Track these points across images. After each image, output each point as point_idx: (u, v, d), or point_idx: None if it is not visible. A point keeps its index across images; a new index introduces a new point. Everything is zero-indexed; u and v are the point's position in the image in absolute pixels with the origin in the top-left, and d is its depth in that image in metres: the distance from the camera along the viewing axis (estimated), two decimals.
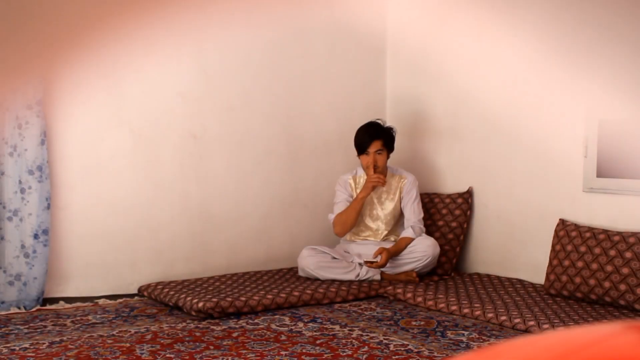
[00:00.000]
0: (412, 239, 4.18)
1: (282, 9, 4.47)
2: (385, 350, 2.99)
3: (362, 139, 4.17)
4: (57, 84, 3.82)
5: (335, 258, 4.15)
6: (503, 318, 3.37)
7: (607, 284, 3.49)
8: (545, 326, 3.20)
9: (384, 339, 3.15)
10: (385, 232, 4.30)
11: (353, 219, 4.21)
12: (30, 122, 3.69)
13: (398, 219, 4.33)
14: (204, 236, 4.32)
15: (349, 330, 3.30)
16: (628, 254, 3.47)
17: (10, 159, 3.71)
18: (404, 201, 4.29)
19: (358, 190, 4.29)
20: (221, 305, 3.53)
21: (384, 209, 4.29)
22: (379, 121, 4.26)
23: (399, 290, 3.91)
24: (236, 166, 4.41)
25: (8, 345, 3.07)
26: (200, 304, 3.51)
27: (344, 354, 2.93)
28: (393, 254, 4.10)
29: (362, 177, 4.31)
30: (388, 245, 4.20)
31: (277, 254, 4.54)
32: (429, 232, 4.41)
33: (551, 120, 3.99)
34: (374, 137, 4.14)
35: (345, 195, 4.31)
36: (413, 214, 4.26)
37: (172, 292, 3.78)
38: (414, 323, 3.42)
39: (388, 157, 4.23)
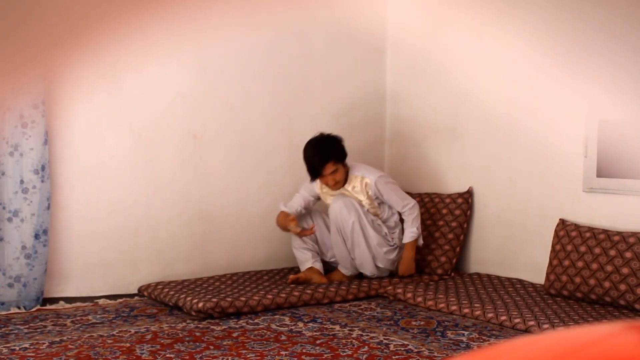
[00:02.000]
0: (413, 240, 4.18)
1: (282, 9, 4.47)
2: (385, 350, 2.99)
3: (312, 163, 4.01)
4: (58, 84, 3.82)
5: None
6: (503, 318, 3.37)
7: (607, 284, 3.49)
8: (545, 326, 3.20)
9: (384, 339, 3.15)
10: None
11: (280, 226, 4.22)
12: (36, 121, 3.69)
13: (376, 209, 4.21)
14: (204, 236, 4.32)
15: (349, 330, 3.30)
16: (628, 254, 3.47)
17: (11, 158, 3.70)
18: (380, 199, 4.16)
19: (324, 191, 4.20)
20: (221, 305, 3.53)
21: (360, 201, 4.16)
22: (322, 135, 4.08)
23: (399, 290, 3.91)
24: (236, 166, 4.41)
25: (8, 345, 3.07)
26: (200, 304, 3.51)
27: (344, 354, 2.93)
28: (408, 259, 4.17)
29: None
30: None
31: (277, 254, 4.54)
32: (430, 232, 4.41)
33: (551, 120, 3.99)
34: (324, 160, 3.99)
35: (306, 194, 4.23)
36: (396, 203, 4.14)
37: (172, 292, 3.78)
38: (414, 323, 3.42)
39: (344, 165, 4.11)
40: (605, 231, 3.62)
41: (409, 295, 3.84)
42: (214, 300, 3.56)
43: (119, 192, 4.04)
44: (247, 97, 4.42)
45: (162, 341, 3.12)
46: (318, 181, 4.18)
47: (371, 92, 4.89)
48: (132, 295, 4.04)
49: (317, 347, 3.02)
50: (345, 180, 4.14)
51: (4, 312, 3.65)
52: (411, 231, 4.15)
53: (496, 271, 4.30)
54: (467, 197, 4.43)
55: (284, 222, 4.14)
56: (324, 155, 4.00)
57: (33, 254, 3.73)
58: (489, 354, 0.78)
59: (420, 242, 4.21)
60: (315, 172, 4.03)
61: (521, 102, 4.12)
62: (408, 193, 4.35)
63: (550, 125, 4.00)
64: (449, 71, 4.53)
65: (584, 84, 3.80)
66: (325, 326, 3.36)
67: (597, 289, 3.53)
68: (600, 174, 3.76)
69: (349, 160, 4.19)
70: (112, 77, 3.97)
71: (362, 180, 4.13)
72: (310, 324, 3.40)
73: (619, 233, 3.57)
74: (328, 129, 4.69)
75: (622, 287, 3.44)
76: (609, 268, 3.51)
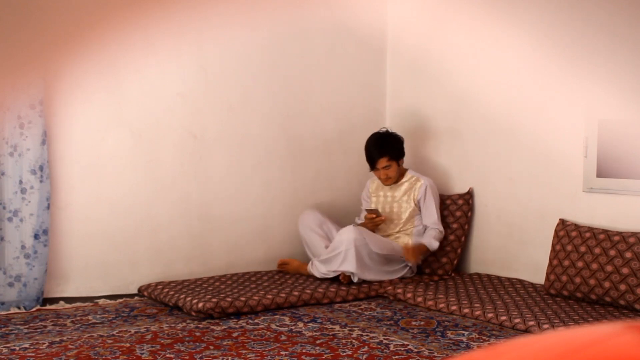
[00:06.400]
0: (427, 249, 4.24)
1: (282, 9, 4.47)
2: (385, 350, 2.99)
3: (369, 154, 4.29)
4: (58, 83, 3.82)
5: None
6: (503, 318, 3.37)
7: (607, 284, 3.49)
8: (545, 326, 3.20)
9: (384, 339, 3.15)
10: (401, 224, 4.34)
11: None
12: (33, 121, 3.69)
13: (414, 217, 4.34)
14: (203, 236, 4.32)
15: (349, 330, 3.30)
16: (628, 254, 3.47)
17: (11, 159, 3.71)
18: (420, 204, 4.33)
19: (374, 192, 4.44)
20: (221, 305, 3.53)
21: (401, 209, 4.33)
22: (384, 130, 4.34)
23: (399, 290, 3.91)
24: (236, 166, 4.41)
25: (8, 345, 3.07)
26: (200, 304, 3.51)
27: (344, 354, 2.93)
28: (416, 249, 4.22)
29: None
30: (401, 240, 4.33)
31: (277, 254, 4.54)
32: None
33: (551, 120, 3.99)
34: (378, 155, 4.25)
35: (365, 204, 4.51)
36: (429, 217, 4.31)
37: (172, 292, 3.78)
38: (414, 323, 3.42)
39: (399, 164, 4.31)
40: (605, 231, 3.62)
41: (409, 295, 3.84)
42: (214, 300, 3.56)
43: (119, 192, 4.04)
44: (247, 97, 4.42)
45: (162, 341, 3.12)
46: (368, 183, 4.51)
47: (371, 92, 4.89)
48: (132, 295, 4.04)
49: (317, 347, 3.02)
50: (398, 179, 4.37)
51: (4, 312, 3.65)
52: (430, 243, 4.25)
53: (496, 271, 4.30)
54: (467, 199, 4.43)
55: (371, 224, 4.29)
56: (381, 149, 4.26)
57: (32, 253, 3.73)
58: (489, 354, 0.78)
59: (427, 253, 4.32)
60: (371, 163, 4.31)
61: (521, 102, 4.12)
62: None
63: (550, 125, 4.00)
64: (449, 71, 4.53)
65: (584, 84, 3.80)
66: (325, 326, 3.36)
67: (597, 289, 3.53)
68: (600, 174, 3.76)
69: (411, 167, 4.48)
70: (112, 77, 3.97)
71: (416, 181, 4.35)
72: (310, 324, 3.40)
73: (619, 233, 3.57)
74: (328, 129, 4.70)
75: (622, 287, 3.44)
76: (609, 268, 3.51)
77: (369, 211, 4.29)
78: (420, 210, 4.33)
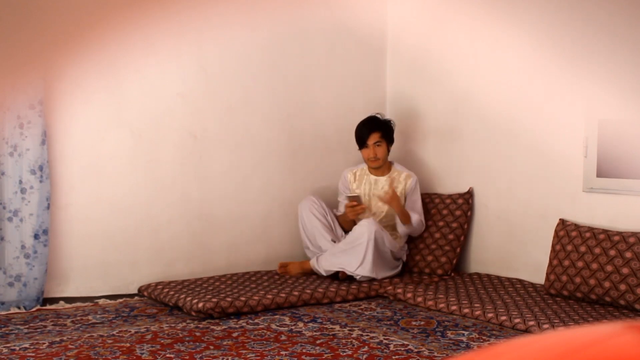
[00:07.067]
0: (411, 225, 4.26)
1: (281, 9, 4.47)
2: (385, 350, 2.99)
3: (360, 132, 4.30)
4: (58, 83, 3.82)
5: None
6: (503, 318, 3.37)
7: (607, 284, 3.50)
8: (545, 326, 3.20)
9: (384, 339, 3.16)
10: (382, 216, 4.34)
11: (346, 226, 4.41)
12: (33, 121, 3.69)
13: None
14: (204, 236, 4.32)
15: (349, 330, 3.30)
16: (628, 254, 3.47)
17: (11, 159, 3.71)
18: (408, 200, 4.33)
19: (356, 184, 4.40)
20: (221, 305, 3.53)
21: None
22: (377, 115, 4.38)
23: (399, 290, 3.92)
24: (236, 166, 4.41)
25: (8, 345, 3.07)
26: (200, 304, 3.51)
27: (344, 354, 2.93)
28: (399, 204, 4.20)
29: (363, 169, 4.42)
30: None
31: (277, 254, 4.54)
32: (430, 233, 4.41)
33: (551, 120, 3.99)
34: (372, 129, 4.26)
35: (343, 194, 4.43)
36: (413, 210, 4.32)
37: (172, 292, 3.78)
38: (414, 323, 3.42)
39: (388, 149, 4.33)
40: (605, 231, 3.62)
41: (409, 295, 3.84)
42: (214, 300, 3.56)
43: (119, 192, 4.04)
44: (247, 97, 4.42)
45: (162, 341, 3.12)
46: (349, 174, 4.42)
47: (371, 92, 4.89)
48: (132, 295, 4.04)
49: (317, 347, 3.02)
50: (386, 167, 4.38)
51: (4, 312, 3.65)
52: (416, 219, 4.27)
53: (496, 271, 4.30)
54: (467, 198, 4.43)
55: (353, 213, 4.25)
56: (373, 125, 4.28)
57: (32, 253, 3.73)
58: (489, 354, 0.78)
59: (405, 230, 4.31)
60: (361, 139, 4.30)
61: (521, 102, 4.12)
62: None
63: (550, 125, 4.00)
64: (449, 71, 4.53)
65: (584, 84, 3.80)
66: (325, 326, 3.36)
67: (597, 289, 3.53)
68: (600, 174, 3.76)
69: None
70: (112, 77, 3.97)
71: (405, 176, 4.35)
72: (310, 324, 3.40)
73: (619, 233, 3.57)
74: (328, 129, 4.70)
75: (622, 287, 3.44)
76: (609, 268, 3.51)
77: (351, 198, 4.22)
78: (405, 202, 4.33)
